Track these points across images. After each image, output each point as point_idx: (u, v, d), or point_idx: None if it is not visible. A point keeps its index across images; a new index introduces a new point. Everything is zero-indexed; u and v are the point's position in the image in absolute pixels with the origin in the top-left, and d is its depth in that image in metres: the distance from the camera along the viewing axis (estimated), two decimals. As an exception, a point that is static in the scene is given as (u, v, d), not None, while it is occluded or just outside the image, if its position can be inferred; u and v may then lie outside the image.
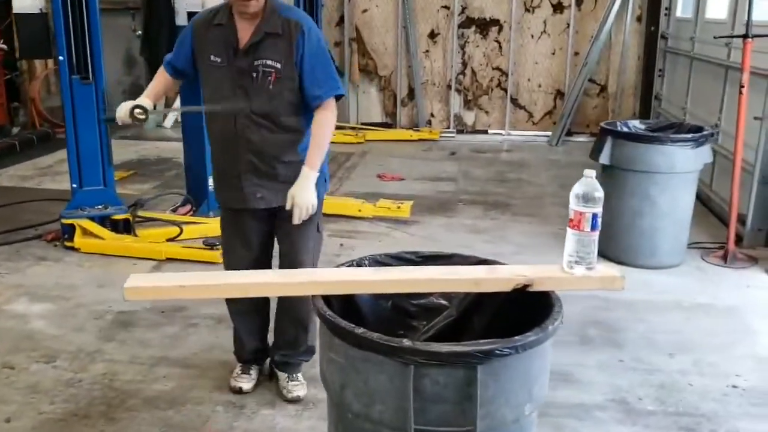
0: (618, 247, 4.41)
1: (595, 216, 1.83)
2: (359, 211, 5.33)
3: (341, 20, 8.73)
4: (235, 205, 2.75)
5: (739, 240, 4.65)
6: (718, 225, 5.12)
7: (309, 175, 2.53)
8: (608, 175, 4.40)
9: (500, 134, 8.60)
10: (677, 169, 4.18)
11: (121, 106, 2.60)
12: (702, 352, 3.33)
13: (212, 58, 2.59)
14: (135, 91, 9.42)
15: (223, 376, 3.03)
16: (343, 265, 2.07)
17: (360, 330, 1.65)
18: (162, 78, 2.78)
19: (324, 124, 2.61)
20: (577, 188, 1.85)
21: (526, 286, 1.87)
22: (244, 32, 2.56)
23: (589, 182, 1.84)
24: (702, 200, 5.55)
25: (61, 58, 4.37)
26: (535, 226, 5.15)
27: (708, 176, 5.57)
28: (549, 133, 8.44)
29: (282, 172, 2.64)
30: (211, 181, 5.14)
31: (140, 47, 5.30)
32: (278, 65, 2.54)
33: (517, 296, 1.92)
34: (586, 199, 1.82)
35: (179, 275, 1.84)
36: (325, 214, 5.22)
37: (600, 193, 1.83)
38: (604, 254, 4.49)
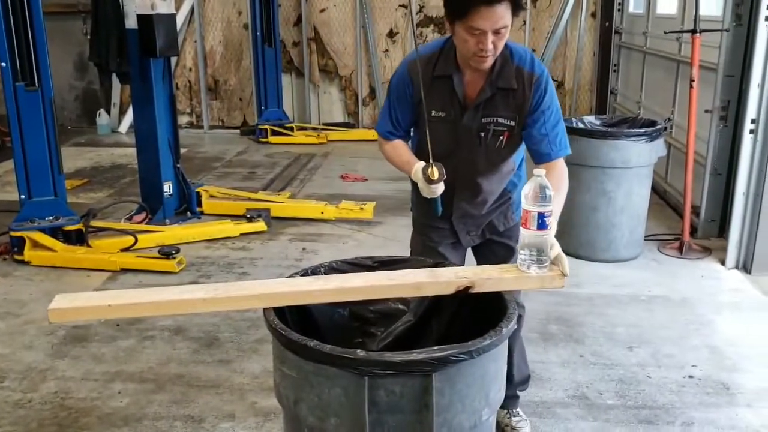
0: (575, 242, 4.45)
1: (541, 215, 1.81)
2: (321, 213, 5.30)
3: (299, 20, 8.66)
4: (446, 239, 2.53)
5: (694, 231, 4.74)
6: (675, 217, 5.22)
7: None
8: (565, 171, 4.44)
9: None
10: (632, 164, 4.24)
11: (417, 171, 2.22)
12: (659, 344, 3.38)
13: (434, 113, 2.25)
14: (88, 97, 9.26)
15: (180, 389, 2.96)
16: (297, 273, 2.04)
17: (312, 342, 1.61)
18: (402, 145, 2.41)
19: (562, 180, 2.23)
20: (526, 187, 1.84)
21: (467, 288, 1.85)
22: (473, 86, 2.24)
23: (537, 181, 1.83)
24: (658, 193, 5.66)
25: (3, 64, 4.20)
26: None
27: (663, 169, 5.67)
28: (508, 130, 8.48)
29: (488, 203, 2.45)
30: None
31: (89, 52, 5.13)
32: (511, 123, 2.25)
33: (473, 299, 1.91)
34: (534, 197, 1.81)
35: (107, 294, 1.77)
36: (286, 218, 5.28)
37: (548, 192, 1.81)
38: (562, 249, 4.54)
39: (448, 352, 1.59)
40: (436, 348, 1.60)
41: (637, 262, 4.43)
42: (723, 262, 4.32)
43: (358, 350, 1.59)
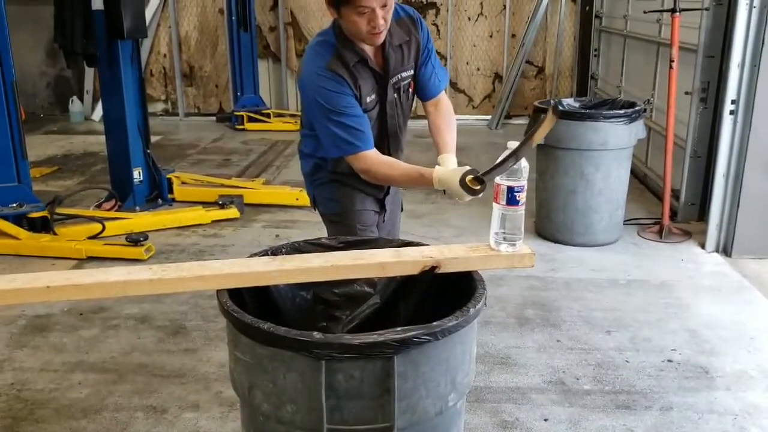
0: (553, 226, 4.39)
1: (511, 189, 1.71)
2: (296, 200, 5.20)
3: (275, 4, 8.51)
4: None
5: (674, 215, 4.69)
6: (655, 201, 5.16)
7: None
8: (543, 154, 4.36)
9: (441, 118, 8.51)
10: (611, 146, 4.16)
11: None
12: (638, 328, 3.31)
13: (368, 100, 2.25)
14: (60, 84, 9.03)
15: (143, 380, 2.85)
16: (257, 254, 1.93)
17: (266, 325, 1.51)
18: (383, 157, 2.30)
19: (452, 112, 2.49)
20: (501, 159, 1.75)
21: (434, 267, 1.77)
22: (376, 56, 2.25)
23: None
24: (638, 178, 5.60)
25: (-39, 46, 4.07)
26: (475, 209, 5.05)
27: (643, 154, 5.61)
28: (489, 117, 8.41)
29: None
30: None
31: (53, 34, 4.96)
32: (412, 71, 2.34)
33: (442, 280, 1.82)
34: (507, 171, 1.72)
35: (46, 274, 1.62)
36: (260, 205, 5.16)
37: (519, 166, 1.72)
38: (540, 233, 4.49)
39: (411, 333, 1.49)
40: (398, 329, 1.50)
41: (616, 246, 4.36)
42: (703, 246, 4.27)
43: (315, 332, 1.49)
